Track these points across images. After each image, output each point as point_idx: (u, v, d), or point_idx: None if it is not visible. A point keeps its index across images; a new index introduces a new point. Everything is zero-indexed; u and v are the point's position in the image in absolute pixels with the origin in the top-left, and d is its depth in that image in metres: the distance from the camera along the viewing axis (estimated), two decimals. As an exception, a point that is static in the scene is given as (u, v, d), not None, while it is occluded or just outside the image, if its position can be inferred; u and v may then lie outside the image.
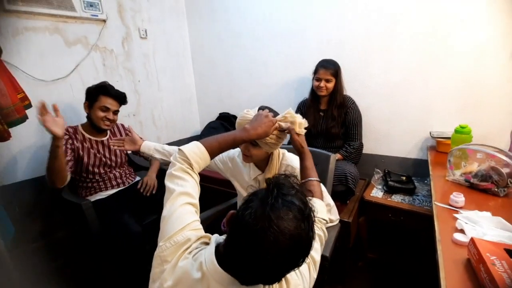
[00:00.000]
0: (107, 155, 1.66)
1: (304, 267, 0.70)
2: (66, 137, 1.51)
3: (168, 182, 0.77)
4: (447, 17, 1.58)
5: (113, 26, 2.04)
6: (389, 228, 1.72)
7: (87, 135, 1.62)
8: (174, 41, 2.50)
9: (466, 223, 0.87)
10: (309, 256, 0.72)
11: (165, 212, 0.72)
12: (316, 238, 0.78)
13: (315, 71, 1.79)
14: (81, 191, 1.64)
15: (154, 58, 2.34)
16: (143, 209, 1.63)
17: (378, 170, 1.89)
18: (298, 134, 0.99)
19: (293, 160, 1.12)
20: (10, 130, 1.16)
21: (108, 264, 1.64)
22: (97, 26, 1.96)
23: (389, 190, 1.71)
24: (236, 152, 1.23)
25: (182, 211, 0.71)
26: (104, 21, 1.98)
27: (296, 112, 2.00)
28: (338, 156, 1.79)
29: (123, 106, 1.69)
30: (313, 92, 1.86)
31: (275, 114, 1.02)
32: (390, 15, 1.73)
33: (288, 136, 1.04)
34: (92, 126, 1.61)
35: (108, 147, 1.67)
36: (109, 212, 1.51)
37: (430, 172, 1.34)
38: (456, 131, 1.48)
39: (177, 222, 0.69)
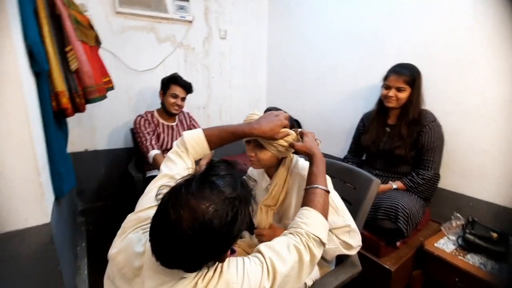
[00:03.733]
0: (173, 139, 1.92)
1: (256, 269, 0.61)
2: (146, 121, 1.83)
3: (162, 163, 0.82)
4: None
5: (197, 27, 2.28)
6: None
7: (160, 120, 1.91)
8: (251, 43, 2.59)
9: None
10: (268, 261, 0.62)
11: (146, 189, 0.76)
12: (292, 247, 0.66)
13: (385, 77, 1.48)
14: (145, 165, 1.90)
15: (230, 57, 2.49)
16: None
17: (458, 215, 1.40)
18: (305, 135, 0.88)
19: (306, 169, 0.93)
20: (88, 106, 1.43)
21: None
22: (184, 26, 2.23)
23: (465, 246, 1.24)
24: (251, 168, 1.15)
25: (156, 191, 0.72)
26: (191, 22, 2.23)
27: (358, 124, 1.75)
28: (399, 184, 1.43)
29: (195, 99, 1.88)
30: (381, 102, 1.55)
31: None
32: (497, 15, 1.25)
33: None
34: (165, 111, 1.89)
35: (177, 131, 1.95)
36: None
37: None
38: None
39: (149, 200, 0.71)
